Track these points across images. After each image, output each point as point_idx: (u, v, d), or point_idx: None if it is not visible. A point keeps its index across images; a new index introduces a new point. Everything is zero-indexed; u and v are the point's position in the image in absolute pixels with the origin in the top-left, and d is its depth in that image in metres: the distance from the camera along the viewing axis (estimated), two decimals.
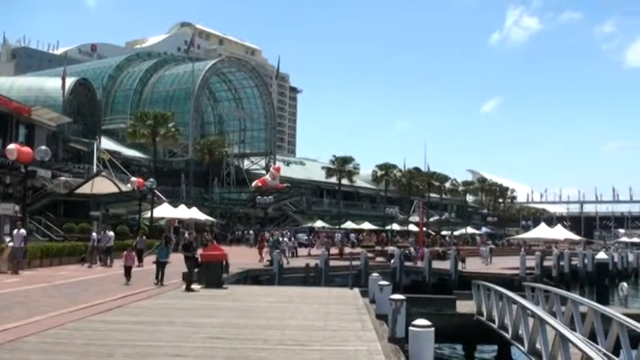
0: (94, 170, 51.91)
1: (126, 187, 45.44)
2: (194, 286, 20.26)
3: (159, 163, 64.47)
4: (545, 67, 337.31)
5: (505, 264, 47.76)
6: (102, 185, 43.23)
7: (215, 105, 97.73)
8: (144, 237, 33.07)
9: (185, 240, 25.05)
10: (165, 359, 9.57)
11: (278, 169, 78.67)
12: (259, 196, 66.75)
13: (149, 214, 45.81)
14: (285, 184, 80.00)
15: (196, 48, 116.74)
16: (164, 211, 50.91)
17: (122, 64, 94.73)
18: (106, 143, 68.70)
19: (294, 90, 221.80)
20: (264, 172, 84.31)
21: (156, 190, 47.25)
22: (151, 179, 45.24)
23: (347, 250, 46.83)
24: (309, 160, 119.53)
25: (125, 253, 22.95)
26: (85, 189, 42.39)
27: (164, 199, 54.78)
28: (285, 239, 40.40)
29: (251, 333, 12.19)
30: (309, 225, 76.68)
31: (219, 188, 79.48)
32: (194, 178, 76.52)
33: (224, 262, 22.59)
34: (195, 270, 20.87)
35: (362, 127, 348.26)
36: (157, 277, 21.24)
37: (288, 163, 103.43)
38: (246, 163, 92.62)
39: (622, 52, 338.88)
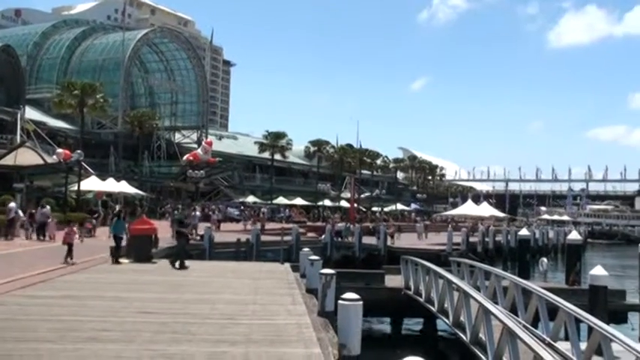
0: (18, 141, 50.02)
1: (51, 159, 44.01)
2: (122, 260, 19.95)
3: (86, 135, 62.53)
4: (472, 47, 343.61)
5: (436, 240, 48.98)
6: (26, 157, 41.74)
7: (146, 76, 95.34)
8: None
9: (175, 214, 24.33)
10: (91, 334, 9.43)
11: (210, 143, 77.54)
12: (190, 170, 65.85)
13: (76, 187, 44.57)
14: (217, 159, 79.07)
15: (127, 17, 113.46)
16: (92, 184, 49.55)
17: (48, 31, 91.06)
18: (31, 113, 66.20)
19: (227, 63, 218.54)
20: (195, 145, 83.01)
21: (83, 163, 45.88)
22: (78, 151, 43.84)
23: (278, 225, 46.96)
24: (241, 134, 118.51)
25: (67, 229, 21.11)
26: (8, 160, 40.85)
27: (92, 171, 53.28)
28: (197, 213, 39.54)
29: (180, 307, 12.13)
30: (241, 200, 76.36)
31: (149, 162, 78.01)
32: (123, 151, 74.79)
33: (153, 237, 22.32)
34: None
35: (295, 102, 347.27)
36: (113, 254, 20.21)
37: (220, 138, 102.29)
38: (178, 137, 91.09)
39: (545, 34, 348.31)
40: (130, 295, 13.54)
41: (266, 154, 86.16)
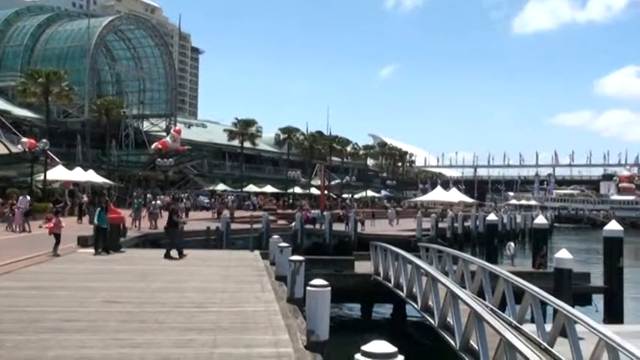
0: None
1: (16, 148, 43.20)
2: (89, 250, 19.70)
3: (52, 124, 61.58)
4: (438, 34, 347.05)
5: (406, 226, 49.30)
6: None
7: (113, 64, 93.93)
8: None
9: (170, 205, 24.02)
10: (56, 324, 9.30)
11: (179, 131, 77.03)
12: (159, 159, 65.33)
13: (42, 177, 43.88)
14: (186, 147, 78.57)
15: (92, 3, 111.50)
16: (58, 173, 48.83)
17: (11, 18, 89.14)
18: None
19: (195, 50, 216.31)
20: (164, 134, 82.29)
21: (49, 152, 45.16)
22: (44, 140, 43.18)
23: (247, 213, 46.79)
24: (211, 122, 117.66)
25: (54, 220, 20.13)
26: None
27: (58, 161, 52.50)
28: (158, 202, 39.17)
29: (148, 296, 12.04)
30: (211, 188, 75.93)
31: (117, 150, 77.07)
32: (91, 140, 73.68)
33: (122, 226, 22.08)
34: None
35: (265, 90, 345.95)
36: (97, 246, 19.64)
37: (189, 126, 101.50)
38: (146, 125, 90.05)
39: (510, 20, 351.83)
40: (96, 284, 13.38)
41: (236, 142, 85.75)
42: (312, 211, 48.33)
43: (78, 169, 51.77)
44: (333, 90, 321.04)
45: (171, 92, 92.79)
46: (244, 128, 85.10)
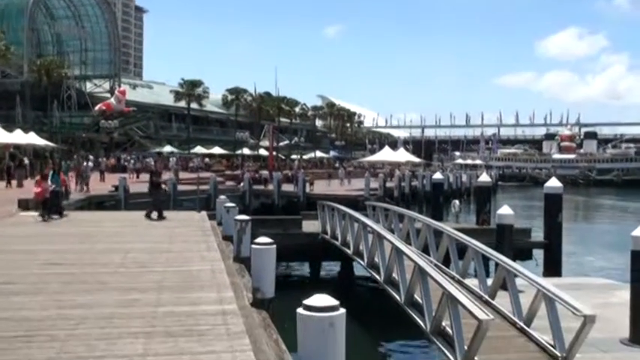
0: None
1: None
2: (30, 213, 19.21)
3: None
4: None
5: (356, 186, 49.64)
6: None
7: (52, 23, 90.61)
8: None
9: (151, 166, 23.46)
10: None
11: (123, 92, 75.44)
12: (103, 121, 63.95)
13: None
14: (131, 108, 77.03)
15: None
16: None
17: None
18: None
19: (139, 10, 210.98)
20: (108, 95, 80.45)
21: None
22: None
23: (194, 175, 46.29)
24: (156, 83, 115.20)
25: (44, 185, 19.09)
26: None
27: None
28: (90, 164, 38.38)
29: (91, 258, 11.83)
30: (158, 150, 74.81)
31: (59, 112, 74.94)
32: (31, 101, 71.51)
33: (64, 188, 21.58)
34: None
35: (211, 50, 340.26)
36: (46, 209, 18.61)
37: (134, 87, 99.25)
38: (89, 86, 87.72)
39: None
40: (37, 247, 13.10)
41: (182, 103, 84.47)
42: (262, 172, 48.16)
43: (18, 132, 50.21)
44: (279, 50, 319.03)
45: (114, 52, 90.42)
46: (191, 89, 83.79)
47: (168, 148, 77.22)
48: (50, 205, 18.88)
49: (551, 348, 9.29)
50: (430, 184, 46.13)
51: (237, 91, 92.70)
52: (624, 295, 11.33)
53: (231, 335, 6.88)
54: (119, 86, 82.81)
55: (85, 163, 36.61)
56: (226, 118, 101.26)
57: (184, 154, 73.48)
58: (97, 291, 8.98)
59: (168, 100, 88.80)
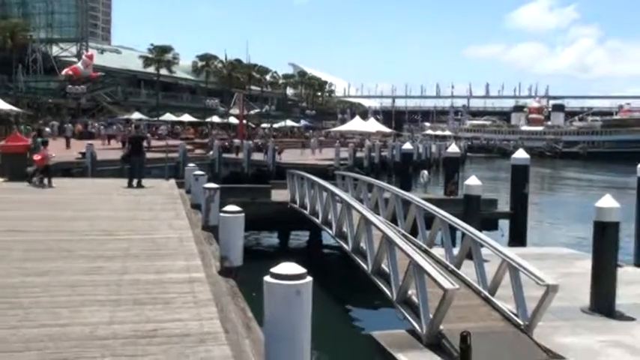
0: None
1: None
2: None
3: None
4: None
5: (325, 155, 49.63)
6: None
7: None
8: None
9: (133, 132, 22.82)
10: None
11: (91, 57, 73.81)
12: (70, 86, 62.72)
13: None
14: (99, 73, 75.60)
15: None
16: None
17: None
18: None
19: None
20: (75, 59, 78.74)
21: None
22: None
23: (163, 142, 45.87)
24: (125, 48, 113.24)
25: (44, 152, 18.88)
26: None
27: None
28: (47, 129, 37.69)
29: (56, 225, 11.69)
30: (126, 117, 73.79)
31: (24, 76, 73.31)
32: None
33: (28, 154, 21.19)
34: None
35: (181, 16, 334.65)
36: (33, 175, 18.45)
37: (102, 51, 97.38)
38: (55, 50, 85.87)
39: None
40: (1, 214, 12.88)
41: (151, 69, 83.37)
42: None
43: None
44: (250, 16, 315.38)
45: (82, 15, 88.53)
46: (160, 55, 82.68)
47: (136, 115, 76.16)
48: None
49: (514, 317, 9.47)
50: (400, 154, 46.28)
51: (207, 58, 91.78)
52: (586, 264, 11.58)
53: (198, 303, 6.88)
54: (86, 50, 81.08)
55: (47, 129, 35.81)
56: (196, 85, 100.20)
57: (153, 121, 72.58)
58: (63, 258, 8.89)
59: (137, 65, 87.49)
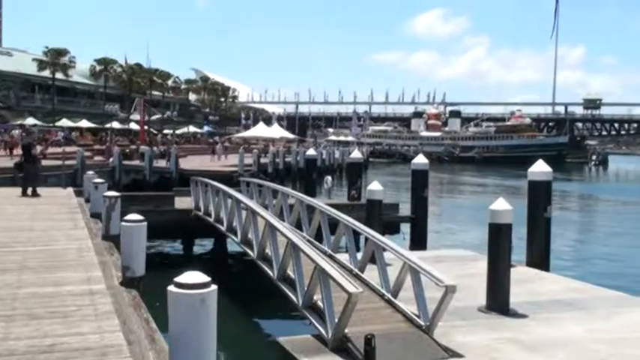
0: None
1: None
2: None
3: None
4: None
5: (230, 161, 49.32)
6: None
7: None
8: None
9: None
10: None
11: None
12: None
13: None
14: None
15: None
16: None
17: None
18: None
19: None
20: None
21: None
22: None
23: (60, 149, 44.10)
24: (17, 50, 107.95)
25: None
26: None
27: None
28: None
29: None
30: (20, 122, 70.49)
31: None
32: None
33: None
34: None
35: (78, 18, 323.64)
36: None
37: None
38: None
39: None
40: None
41: (46, 73, 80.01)
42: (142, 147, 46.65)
43: None
44: (151, 21, 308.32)
45: None
46: (56, 58, 79.49)
47: (30, 120, 72.87)
48: None
49: (416, 318, 9.76)
50: (304, 160, 46.62)
51: (105, 62, 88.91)
52: (482, 265, 12.08)
53: (99, 316, 6.70)
54: None
55: None
56: (95, 89, 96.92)
57: (48, 127, 69.68)
58: None
59: (30, 69, 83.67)
